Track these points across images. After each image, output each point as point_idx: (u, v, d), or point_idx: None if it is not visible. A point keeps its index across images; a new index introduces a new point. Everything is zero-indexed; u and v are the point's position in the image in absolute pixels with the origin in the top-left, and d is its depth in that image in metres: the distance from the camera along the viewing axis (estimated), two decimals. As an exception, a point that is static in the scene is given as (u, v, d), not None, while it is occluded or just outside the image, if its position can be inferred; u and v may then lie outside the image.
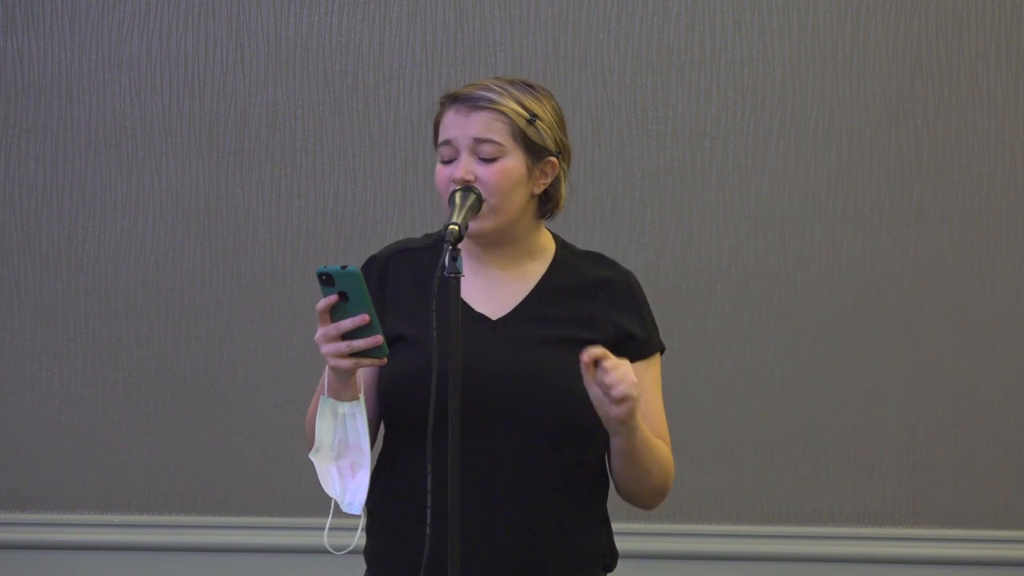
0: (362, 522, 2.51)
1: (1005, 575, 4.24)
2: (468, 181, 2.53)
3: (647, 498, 2.64)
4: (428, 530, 2.41)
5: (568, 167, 2.65)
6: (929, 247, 4.21)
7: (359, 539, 2.57)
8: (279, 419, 4.24)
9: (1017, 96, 4.19)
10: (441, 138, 2.58)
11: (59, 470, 4.31)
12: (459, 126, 2.56)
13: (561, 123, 2.62)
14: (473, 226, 2.54)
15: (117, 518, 4.32)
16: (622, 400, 2.42)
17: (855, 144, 4.21)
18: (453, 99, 2.58)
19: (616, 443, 2.54)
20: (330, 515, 2.51)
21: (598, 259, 2.68)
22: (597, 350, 2.42)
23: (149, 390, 4.29)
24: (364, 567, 2.67)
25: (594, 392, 2.44)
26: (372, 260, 2.68)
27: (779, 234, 4.23)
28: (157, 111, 4.28)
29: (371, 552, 2.65)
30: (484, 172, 2.54)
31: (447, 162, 2.57)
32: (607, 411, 2.45)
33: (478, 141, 2.55)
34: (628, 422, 2.47)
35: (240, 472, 4.29)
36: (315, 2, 4.25)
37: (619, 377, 2.41)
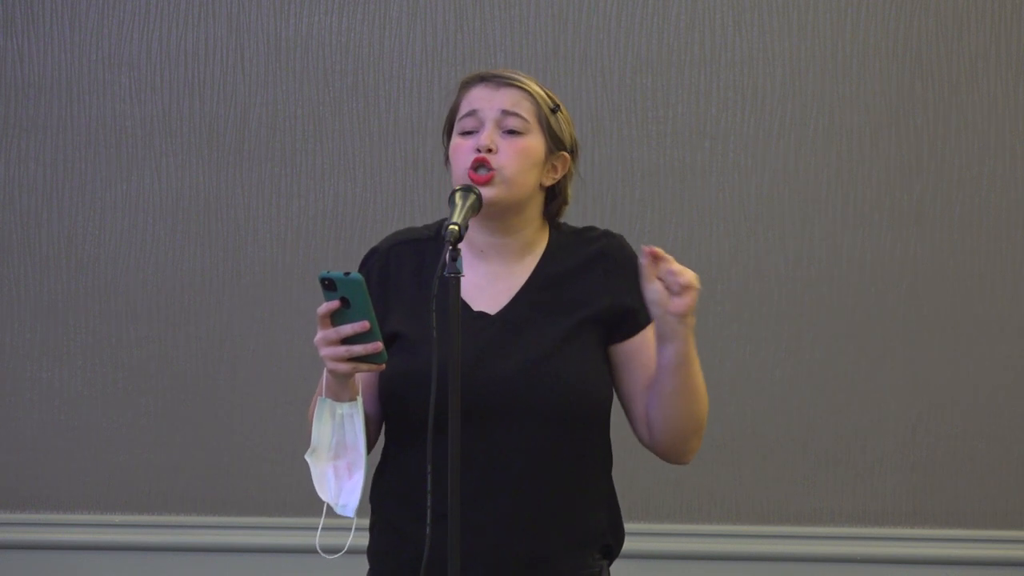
0: (354, 526, 2.51)
1: (1005, 575, 4.24)
2: (491, 150, 2.54)
3: (690, 436, 2.59)
4: (428, 529, 2.42)
5: (576, 168, 2.67)
6: (929, 247, 4.21)
7: (351, 543, 2.56)
8: (279, 419, 4.24)
9: (1017, 96, 4.19)
10: (464, 111, 2.60)
11: (59, 470, 4.31)
12: (487, 99, 2.59)
13: (572, 123, 2.67)
14: (485, 193, 2.54)
15: (117, 518, 4.32)
16: (685, 289, 2.45)
17: (855, 144, 4.21)
18: (481, 78, 2.62)
19: (668, 354, 2.53)
20: (322, 519, 2.52)
21: (588, 232, 2.69)
22: (657, 248, 2.47)
23: (149, 390, 4.30)
24: (367, 566, 2.67)
25: (655, 288, 2.48)
26: (373, 253, 2.69)
27: (779, 234, 4.23)
28: (157, 111, 4.28)
29: (374, 551, 2.65)
30: (506, 144, 2.57)
31: (468, 133, 2.58)
32: (667, 307, 2.48)
33: (506, 113, 2.58)
34: (687, 320, 2.48)
35: (240, 472, 4.29)
36: (315, 2, 4.25)
37: (682, 268, 2.46)
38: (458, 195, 2.52)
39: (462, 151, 2.58)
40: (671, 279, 2.46)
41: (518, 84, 2.60)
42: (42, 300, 4.31)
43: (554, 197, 2.66)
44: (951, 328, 4.22)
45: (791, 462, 4.24)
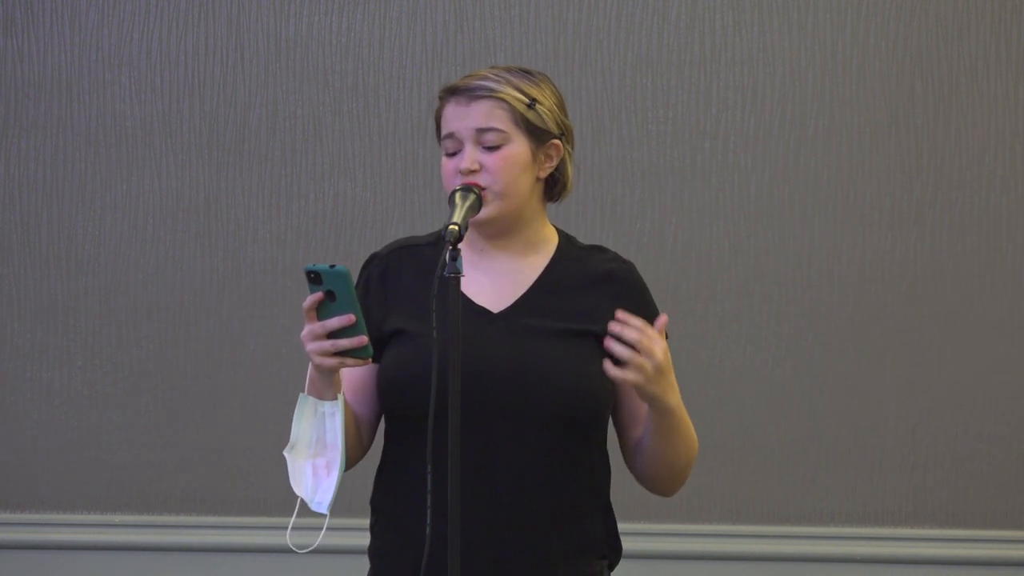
0: (326, 523, 2.52)
1: (1005, 575, 4.24)
2: (474, 171, 2.54)
3: (665, 482, 2.65)
4: (428, 531, 2.42)
5: (572, 148, 2.65)
6: (929, 247, 4.22)
7: (339, 543, 2.57)
8: (279, 419, 4.22)
9: (1017, 96, 4.19)
10: (444, 132, 2.59)
11: (59, 470, 4.31)
12: (460, 117, 2.57)
13: (561, 105, 2.62)
14: (481, 214, 2.54)
15: (117, 518, 4.32)
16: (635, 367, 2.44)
17: (855, 144, 4.21)
18: (452, 92, 2.59)
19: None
20: (295, 513, 2.52)
21: (600, 251, 2.69)
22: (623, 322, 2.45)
23: (149, 390, 4.30)
24: (367, 566, 2.67)
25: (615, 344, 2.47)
26: (374, 258, 2.68)
27: (779, 234, 4.23)
28: (157, 111, 4.28)
29: (375, 549, 2.65)
30: (489, 160, 2.55)
31: (452, 154, 2.58)
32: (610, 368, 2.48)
33: (480, 131, 2.55)
34: (644, 391, 2.47)
35: (240, 472, 4.29)
36: (315, 2, 4.25)
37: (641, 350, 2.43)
38: (458, 195, 2.52)
39: (448, 173, 2.57)
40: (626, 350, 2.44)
41: (487, 94, 2.55)
42: (42, 300, 4.31)
43: (555, 183, 2.65)
44: (951, 328, 4.22)
45: (791, 462, 4.24)
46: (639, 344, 2.43)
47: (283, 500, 4.22)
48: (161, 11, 4.27)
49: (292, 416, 2.56)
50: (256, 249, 4.28)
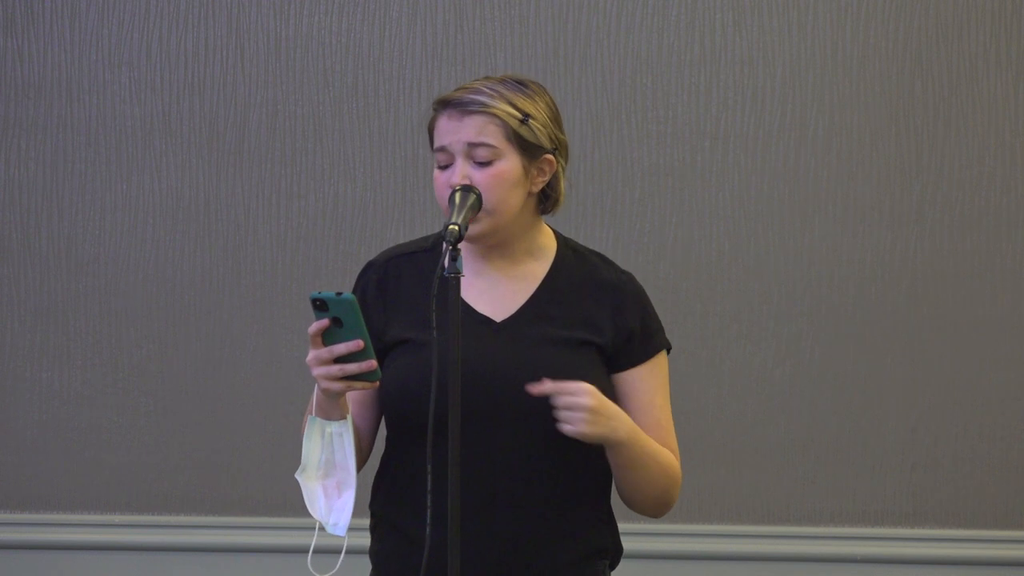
0: (345, 544, 2.51)
1: (1005, 575, 4.24)
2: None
3: (647, 508, 2.65)
4: (428, 531, 2.41)
5: (566, 162, 2.64)
6: (929, 247, 4.22)
7: (320, 539, 2.56)
8: (279, 419, 4.24)
9: (1017, 96, 4.19)
10: (436, 144, 2.58)
11: (59, 470, 4.31)
12: (452, 132, 2.55)
13: (556, 119, 2.60)
14: (471, 230, 2.54)
15: (117, 518, 4.32)
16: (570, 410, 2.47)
17: (855, 144, 4.21)
18: (444, 104, 2.57)
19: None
20: (314, 538, 2.51)
21: (600, 259, 2.68)
22: (547, 386, 2.46)
23: (149, 390, 4.30)
24: (368, 566, 2.67)
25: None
26: (370, 266, 2.67)
27: (779, 234, 4.23)
28: (157, 111, 4.28)
29: (376, 552, 2.65)
30: (480, 176, 2.53)
31: (443, 168, 2.57)
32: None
33: (472, 145, 2.54)
34: (606, 440, 2.50)
35: (240, 472, 4.29)
36: (315, 2, 4.25)
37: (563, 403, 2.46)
38: (458, 195, 2.51)
39: (440, 186, 2.55)
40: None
41: (480, 110, 2.53)
42: (42, 300, 4.31)
43: (546, 197, 2.64)
44: (951, 328, 4.22)
45: (791, 462, 4.24)
46: (560, 402, 2.45)
47: (283, 500, 4.23)
48: (161, 11, 4.27)
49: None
50: (256, 249, 4.28)
